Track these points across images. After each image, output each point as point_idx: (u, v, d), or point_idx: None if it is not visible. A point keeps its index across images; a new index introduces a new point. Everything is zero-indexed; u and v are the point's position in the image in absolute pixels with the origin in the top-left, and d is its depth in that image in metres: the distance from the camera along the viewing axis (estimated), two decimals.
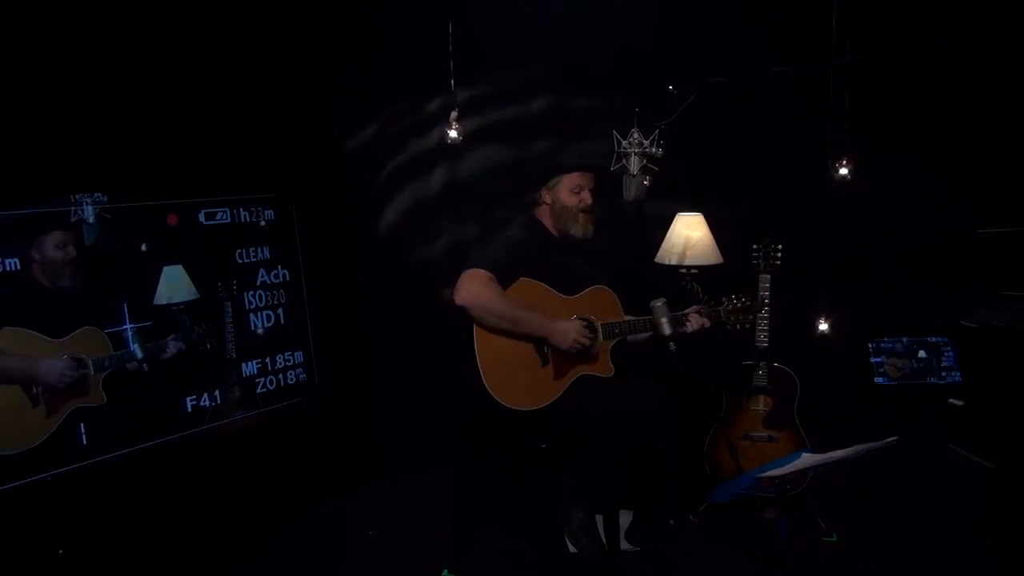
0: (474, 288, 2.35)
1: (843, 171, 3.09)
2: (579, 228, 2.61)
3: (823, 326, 3.33)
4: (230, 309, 2.87)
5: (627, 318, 2.57)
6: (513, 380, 2.41)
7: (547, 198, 2.64)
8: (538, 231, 2.64)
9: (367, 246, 3.36)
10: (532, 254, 2.52)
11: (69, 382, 2.44)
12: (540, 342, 2.44)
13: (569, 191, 2.60)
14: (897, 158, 3.40)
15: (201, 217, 2.82)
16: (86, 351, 2.49)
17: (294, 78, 3.05)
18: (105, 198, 2.55)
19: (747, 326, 2.65)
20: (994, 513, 2.46)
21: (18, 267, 2.37)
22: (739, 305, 2.62)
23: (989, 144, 3.36)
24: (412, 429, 3.40)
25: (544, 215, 2.66)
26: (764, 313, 2.81)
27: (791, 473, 1.94)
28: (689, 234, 3.03)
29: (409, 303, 3.34)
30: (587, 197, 2.61)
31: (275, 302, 3.06)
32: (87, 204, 2.51)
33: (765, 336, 2.84)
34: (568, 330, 2.41)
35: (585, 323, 2.48)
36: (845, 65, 3.13)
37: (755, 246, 2.85)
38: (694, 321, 2.56)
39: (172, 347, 2.68)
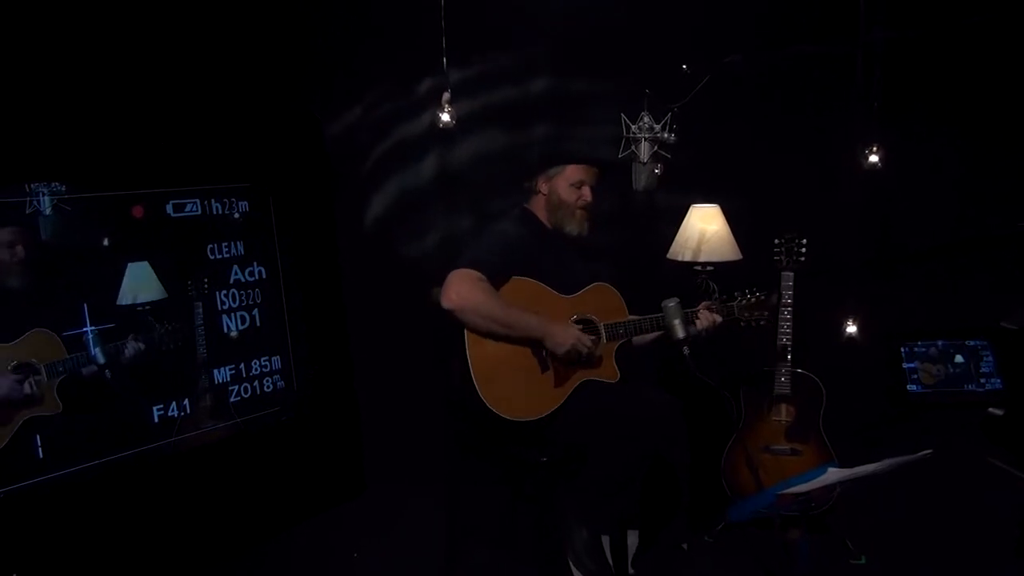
0: (462, 289, 2.35)
1: (873, 159, 3.09)
2: (574, 225, 2.61)
3: (851, 328, 3.33)
4: (201, 310, 2.87)
5: (632, 317, 2.57)
6: (509, 387, 2.41)
7: (544, 188, 2.64)
8: (532, 224, 2.64)
9: (351, 241, 3.35)
10: (526, 250, 2.52)
11: (19, 395, 2.42)
12: (538, 345, 2.44)
13: (569, 185, 2.60)
14: (932, 145, 3.40)
15: (169, 209, 2.81)
16: (37, 356, 2.48)
17: (271, 56, 3.04)
18: (63, 188, 2.54)
19: (763, 323, 2.64)
20: None
21: None
22: (753, 300, 2.62)
23: None
24: (400, 442, 3.40)
25: (538, 206, 2.66)
26: (786, 314, 2.81)
27: (816, 489, 1.95)
28: (704, 227, 3.04)
29: (397, 303, 3.34)
30: (587, 194, 2.61)
31: (250, 302, 3.06)
32: (43, 195, 2.50)
33: (787, 339, 2.84)
34: (564, 335, 2.41)
35: (585, 324, 2.47)
36: (875, 42, 3.12)
37: (777, 241, 2.85)
38: (704, 318, 2.56)
39: (131, 347, 2.67)
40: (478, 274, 2.38)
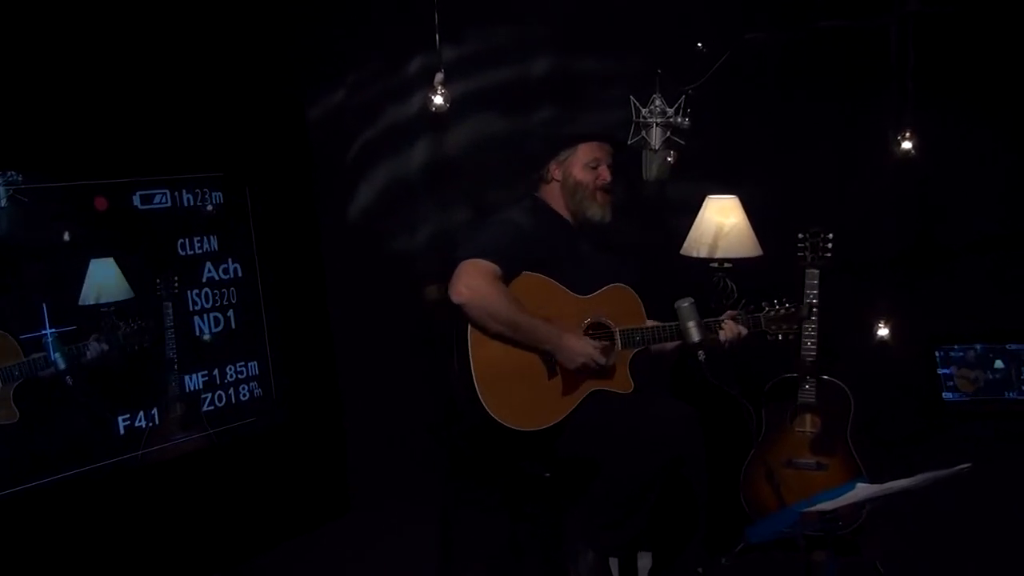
0: (474, 282, 2.35)
1: (906, 145, 3.10)
2: (597, 209, 2.61)
3: (882, 331, 3.35)
4: (171, 311, 2.87)
5: (650, 324, 2.58)
6: (513, 394, 2.41)
7: (556, 174, 2.64)
8: (545, 215, 2.64)
9: (336, 235, 3.36)
10: (539, 243, 2.52)
11: None
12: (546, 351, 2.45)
13: (584, 165, 2.61)
14: (971, 129, 3.41)
15: (135, 200, 2.81)
16: None
17: (247, 33, 3.04)
18: (19, 178, 2.54)
19: (791, 336, 2.64)
20: None
21: None
22: (782, 312, 2.62)
23: None
24: (389, 456, 3.41)
25: (552, 195, 2.66)
26: (812, 316, 2.81)
27: (844, 507, 1.96)
28: (722, 221, 3.04)
29: (387, 303, 3.35)
30: (605, 173, 2.62)
31: (225, 302, 3.06)
32: None
33: (813, 343, 2.85)
34: (578, 350, 2.41)
35: (599, 329, 2.48)
36: (909, 17, 3.13)
37: (801, 235, 2.85)
38: (728, 329, 2.56)
39: (95, 351, 2.67)
40: (493, 267, 2.37)
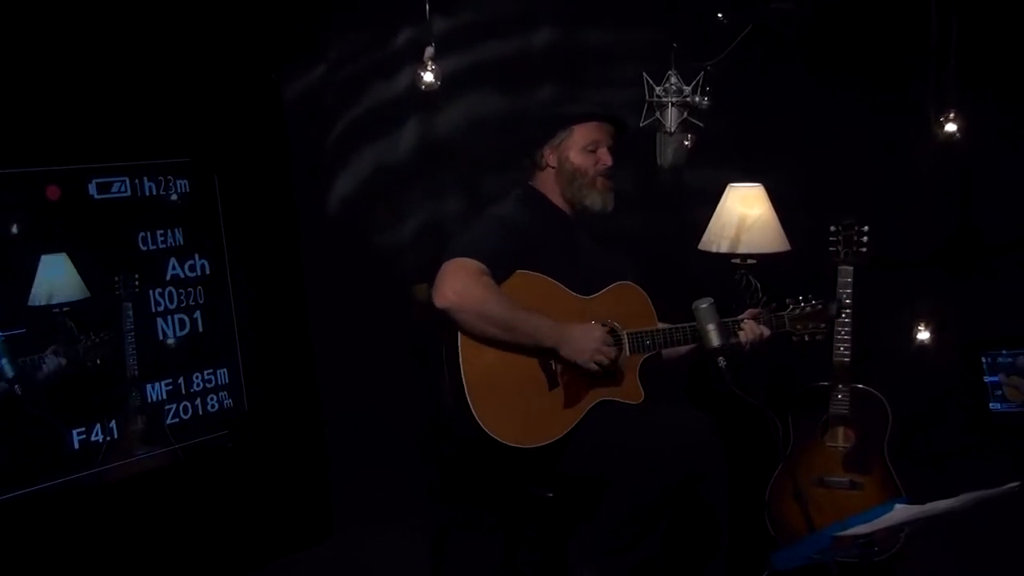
0: (459, 284, 2.34)
1: (949, 128, 3.10)
2: (597, 197, 2.60)
3: (922, 334, 3.36)
4: (131, 312, 2.86)
5: (662, 326, 2.57)
6: (510, 407, 2.40)
7: (551, 160, 2.63)
8: (540, 206, 2.64)
9: (315, 228, 3.36)
10: (533, 238, 2.52)
11: None
12: (546, 355, 2.44)
13: (581, 149, 2.60)
14: (1019, 111, 3.41)
15: (92, 190, 2.81)
16: None
17: (218, 1, 3.04)
18: None
19: (819, 337, 2.65)
20: None
21: None
22: (809, 309, 2.62)
23: None
24: (376, 472, 3.41)
25: (546, 183, 2.66)
26: (845, 317, 2.82)
27: (880, 531, 1.96)
28: (745, 212, 3.05)
29: (372, 305, 3.34)
30: (605, 156, 2.61)
31: (191, 303, 3.06)
32: None
33: (846, 348, 2.86)
34: (587, 338, 2.40)
35: (607, 330, 2.48)
36: None
37: (833, 228, 2.86)
38: (748, 330, 2.56)
39: (51, 363, 2.67)
40: (480, 265, 2.37)
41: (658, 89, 3.04)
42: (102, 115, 2.77)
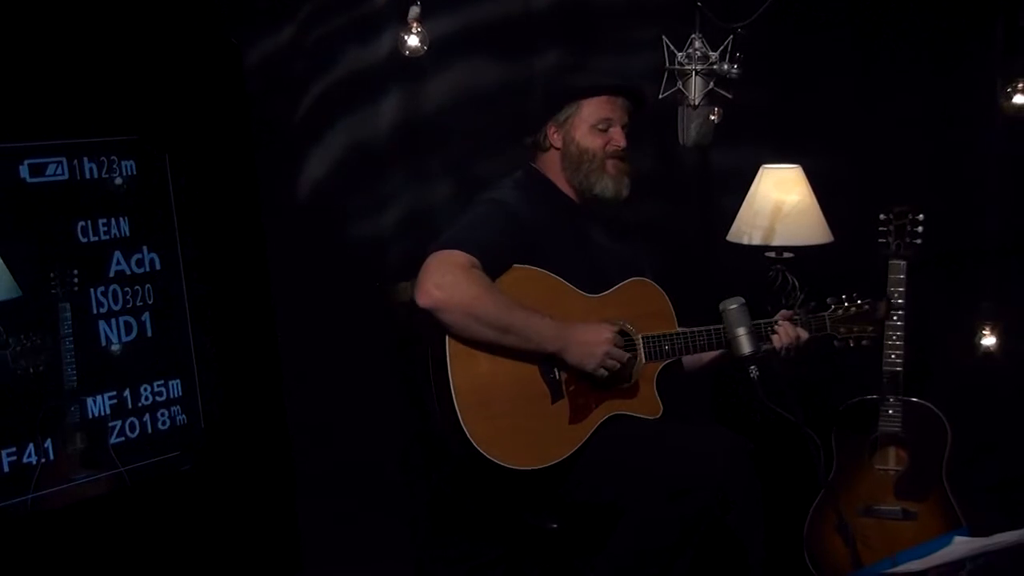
0: (445, 279, 2.34)
1: (1018, 99, 3.10)
2: (609, 182, 2.60)
3: (987, 340, 3.35)
4: (69, 314, 2.87)
5: (682, 330, 2.57)
6: (507, 422, 2.40)
7: (556, 140, 2.64)
8: (542, 191, 2.65)
9: (282, 216, 3.37)
10: (534, 228, 2.52)
11: None
12: (548, 362, 2.45)
13: (589, 128, 2.60)
14: None
15: (23, 172, 2.80)
16: None
17: None
18: None
19: (866, 342, 2.64)
20: None
21: None
22: (854, 310, 2.62)
23: None
24: (352, 500, 3.41)
25: (551, 166, 2.66)
26: (897, 320, 2.81)
27: (937, 567, 1.95)
28: (781, 198, 3.05)
29: (348, 305, 3.36)
30: (618, 136, 2.61)
31: (139, 303, 3.06)
32: None
33: (898, 355, 2.87)
34: (596, 340, 2.40)
35: (619, 332, 2.48)
36: None
37: (883, 217, 2.87)
38: (783, 334, 2.56)
39: None
40: (470, 258, 2.36)
41: (680, 55, 3.02)
42: (35, 86, 2.77)
